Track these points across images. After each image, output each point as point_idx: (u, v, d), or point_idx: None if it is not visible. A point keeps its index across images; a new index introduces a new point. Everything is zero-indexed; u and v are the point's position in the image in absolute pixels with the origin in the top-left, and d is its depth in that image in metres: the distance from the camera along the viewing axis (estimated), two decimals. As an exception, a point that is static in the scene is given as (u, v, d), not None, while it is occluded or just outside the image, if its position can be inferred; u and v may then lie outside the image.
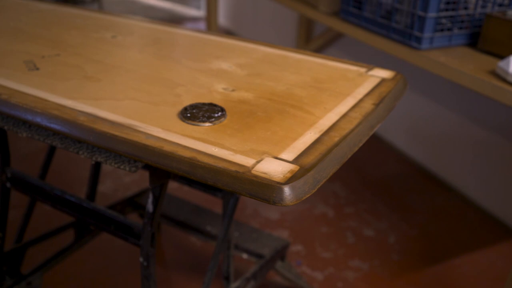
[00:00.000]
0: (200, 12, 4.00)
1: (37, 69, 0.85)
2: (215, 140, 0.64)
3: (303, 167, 0.59)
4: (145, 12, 3.99)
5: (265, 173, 0.57)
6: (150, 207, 0.76)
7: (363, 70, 0.92)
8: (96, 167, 1.19)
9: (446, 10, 1.18)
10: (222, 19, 3.55)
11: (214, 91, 0.80)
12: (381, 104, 0.79)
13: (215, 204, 1.62)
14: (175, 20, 3.82)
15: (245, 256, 1.21)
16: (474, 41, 1.23)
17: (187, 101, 0.75)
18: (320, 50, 2.38)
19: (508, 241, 1.59)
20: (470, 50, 1.21)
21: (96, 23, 1.16)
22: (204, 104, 0.73)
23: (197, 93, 0.79)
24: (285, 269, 1.27)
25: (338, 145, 0.65)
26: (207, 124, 0.68)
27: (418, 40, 1.19)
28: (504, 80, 1.01)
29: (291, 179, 0.56)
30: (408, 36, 1.23)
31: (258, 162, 0.59)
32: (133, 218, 1.45)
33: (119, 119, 0.69)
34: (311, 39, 2.41)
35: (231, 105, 0.74)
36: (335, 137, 0.67)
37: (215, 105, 0.73)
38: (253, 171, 0.57)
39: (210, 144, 0.63)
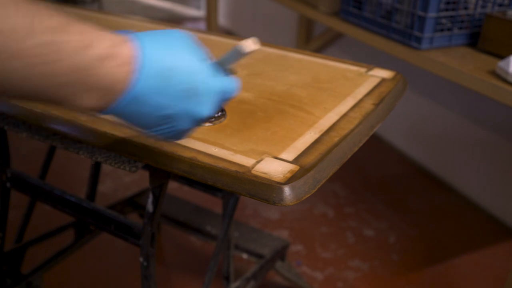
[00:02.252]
0: (200, 12, 4.00)
1: (37, 69, 0.85)
2: (215, 140, 0.64)
3: (303, 167, 0.59)
4: (145, 12, 3.99)
5: (265, 173, 0.57)
6: (150, 207, 0.76)
7: (363, 70, 0.92)
8: (96, 167, 1.18)
9: (446, 10, 1.18)
10: (222, 19, 3.55)
11: (214, 91, 0.80)
12: (381, 104, 0.79)
13: (215, 204, 1.62)
14: (175, 20, 3.82)
15: (245, 256, 1.21)
16: (474, 41, 1.23)
17: (187, 101, 0.75)
18: (320, 50, 2.38)
19: (508, 241, 1.59)
20: (470, 50, 1.21)
21: (96, 23, 1.15)
22: (204, 104, 0.73)
23: (197, 93, 0.79)
24: (285, 269, 1.27)
25: (338, 145, 0.65)
26: (207, 124, 0.68)
27: (418, 40, 1.19)
28: (504, 80, 1.01)
29: (291, 179, 0.56)
30: (408, 36, 1.23)
31: (258, 162, 0.59)
32: (133, 218, 1.45)
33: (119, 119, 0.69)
34: (311, 39, 2.41)
35: (231, 105, 0.74)
36: (335, 137, 0.67)
37: (215, 105, 0.73)
38: (253, 171, 0.57)
39: (210, 144, 0.63)
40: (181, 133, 0.46)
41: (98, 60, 0.36)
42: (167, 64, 0.38)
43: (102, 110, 0.39)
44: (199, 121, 0.44)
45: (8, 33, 0.32)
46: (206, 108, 0.42)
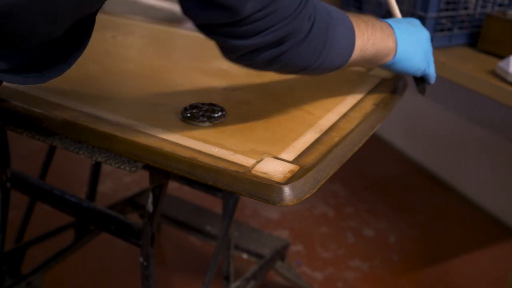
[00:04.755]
0: (200, 12, 4.00)
1: (37, 69, 0.85)
2: (215, 140, 0.64)
3: (303, 167, 0.59)
4: (145, 12, 3.99)
5: (265, 173, 0.57)
6: (150, 207, 0.76)
7: (363, 70, 0.92)
8: (96, 167, 1.19)
9: (446, 10, 1.18)
10: (222, 19, 3.54)
11: (214, 91, 0.81)
12: (381, 104, 0.79)
13: (215, 204, 1.62)
14: (175, 20, 3.82)
15: (245, 256, 1.21)
16: (474, 41, 1.23)
17: (187, 101, 0.75)
18: (320, 50, 2.38)
19: (508, 241, 1.59)
20: (470, 50, 1.21)
21: (96, 23, 1.15)
22: (204, 104, 0.73)
23: (197, 93, 0.79)
24: (285, 269, 1.27)
25: (338, 145, 0.65)
26: (207, 124, 0.68)
27: (418, 40, 1.19)
28: (504, 80, 1.01)
29: (291, 179, 0.56)
30: (408, 36, 1.22)
31: (258, 162, 0.59)
32: (133, 218, 1.45)
33: (119, 119, 0.69)
34: (311, 39, 2.40)
35: (231, 105, 0.74)
36: (335, 137, 0.67)
37: (215, 105, 0.73)
38: (253, 171, 0.57)
39: (210, 144, 0.63)
40: (429, 52, 0.79)
41: (388, 42, 0.72)
42: (408, 36, 0.75)
43: (391, 60, 0.74)
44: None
45: (364, 45, 0.68)
46: (426, 32, 0.78)
